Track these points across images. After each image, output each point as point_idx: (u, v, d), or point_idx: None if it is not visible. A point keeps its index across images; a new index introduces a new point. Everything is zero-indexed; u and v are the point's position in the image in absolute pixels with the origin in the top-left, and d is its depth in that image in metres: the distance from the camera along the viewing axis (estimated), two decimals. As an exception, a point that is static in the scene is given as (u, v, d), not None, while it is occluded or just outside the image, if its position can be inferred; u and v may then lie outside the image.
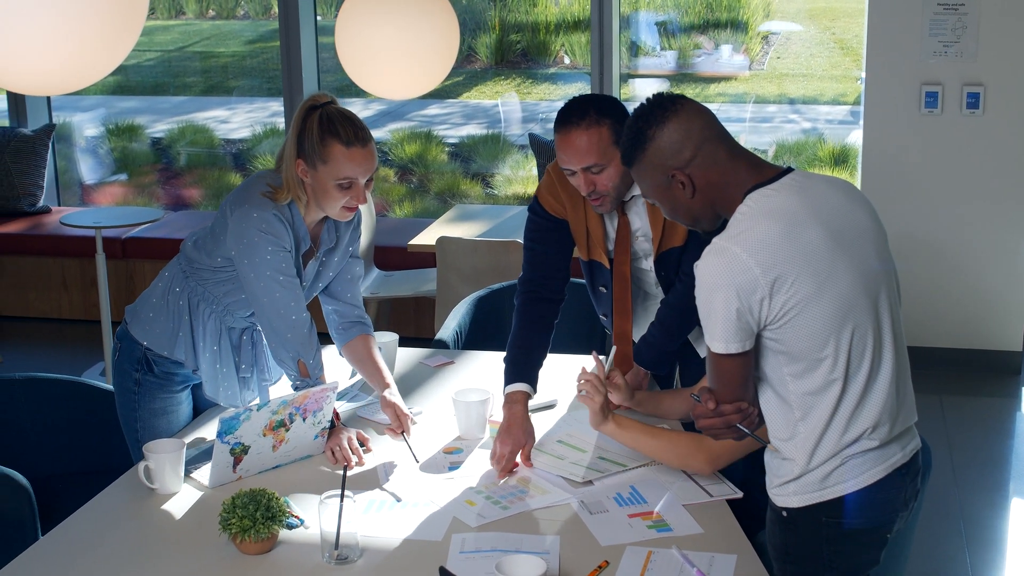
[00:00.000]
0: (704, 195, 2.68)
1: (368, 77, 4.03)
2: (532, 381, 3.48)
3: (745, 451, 3.13)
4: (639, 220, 3.56)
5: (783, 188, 2.63)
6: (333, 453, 3.31)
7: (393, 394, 3.49)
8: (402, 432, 3.41)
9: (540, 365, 3.54)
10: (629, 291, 3.62)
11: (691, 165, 2.65)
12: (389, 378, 3.54)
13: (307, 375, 3.37)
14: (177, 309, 3.46)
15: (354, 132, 3.27)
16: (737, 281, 2.53)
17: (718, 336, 2.59)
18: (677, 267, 3.58)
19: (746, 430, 2.67)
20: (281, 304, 3.33)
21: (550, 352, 3.94)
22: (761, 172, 2.66)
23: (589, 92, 7.42)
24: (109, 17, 2.02)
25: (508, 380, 3.47)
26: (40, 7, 1.98)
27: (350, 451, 3.30)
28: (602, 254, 3.61)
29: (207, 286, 3.44)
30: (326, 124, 3.26)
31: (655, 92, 2.75)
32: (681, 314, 3.60)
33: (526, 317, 3.60)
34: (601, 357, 3.38)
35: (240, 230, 3.30)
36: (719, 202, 2.69)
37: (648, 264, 3.64)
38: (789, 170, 2.68)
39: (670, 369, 3.72)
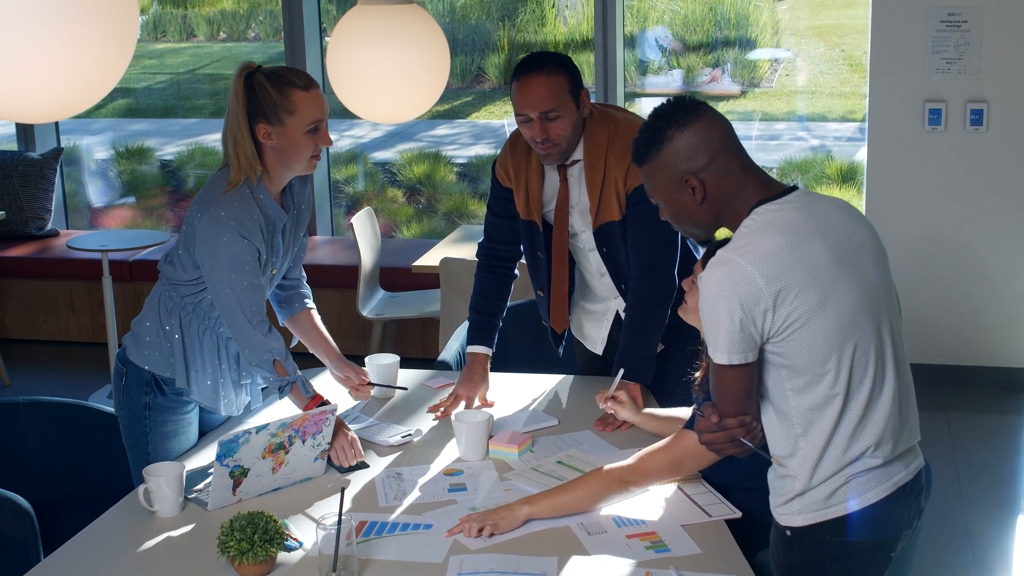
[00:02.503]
0: (712, 204, 2.70)
1: (358, 101, 4.05)
2: (491, 342, 3.89)
3: (663, 477, 3.16)
4: (577, 188, 3.69)
5: (788, 204, 2.65)
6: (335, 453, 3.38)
7: (342, 359, 3.76)
8: (368, 384, 3.73)
9: (498, 326, 3.94)
10: (566, 249, 3.78)
11: (704, 172, 2.66)
12: (335, 347, 3.78)
13: (285, 373, 3.39)
14: (170, 329, 3.46)
15: (305, 77, 3.35)
16: (741, 292, 2.55)
17: (721, 347, 2.60)
18: (622, 243, 3.67)
19: (749, 444, 2.67)
20: (247, 306, 3.33)
21: (550, 374, 3.99)
22: (768, 188, 2.69)
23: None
24: (99, 44, 2.04)
25: (470, 342, 3.90)
26: (29, 33, 1.99)
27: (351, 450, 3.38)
28: (536, 215, 3.76)
29: (192, 301, 3.45)
30: (277, 79, 3.31)
31: (677, 95, 2.76)
32: (646, 311, 3.68)
33: (484, 280, 3.96)
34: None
35: (210, 232, 3.31)
36: (724, 213, 2.71)
37: (586, 240, 3.74)
38: (794, 188, 2.70)
39: (655, 378, 3.74)
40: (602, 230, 3.67)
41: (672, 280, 3.67)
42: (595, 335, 3.95)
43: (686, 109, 2.70)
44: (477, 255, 4.01)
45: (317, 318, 3.78)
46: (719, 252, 2.63)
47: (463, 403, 3.75)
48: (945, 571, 4.64)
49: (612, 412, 3.55)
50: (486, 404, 3.79)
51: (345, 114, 9.62)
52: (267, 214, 3.39)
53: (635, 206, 3.60)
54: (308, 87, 3.32)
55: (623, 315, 3.83)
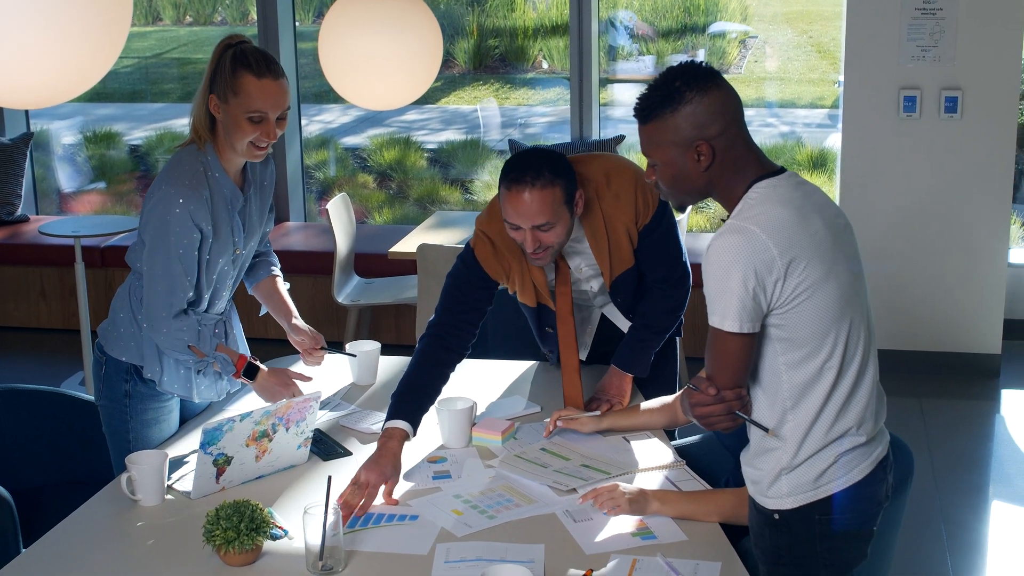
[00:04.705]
0: (713, 172, 2.68)
1: (351, 87, 4.01)
2: (415, 423, 3.33)
3: None
4: (580, 257, 3.57)
5: (784, 182, 2.68)
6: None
7: (299, 320, 3.75)
8: (321, 347, 3.73)
9: (426, 410, 3.40)
10: (573, 331, 3.61)
11: (715, 140, 2.65)
12: (294, 309, 3.77)
13: (204, 355, 3.39)
14: (142, 318, 3.43)
15: (266, 65, 3.29)
16: (756, 260, 2.56)
17: (732, 315, 2.59)
18: (635, 285, 3.61)
19: (744, 416, 2.68)
20: (167, 292, 3.32)
21: (527, 360, 3.96)
22: (765, 167, 2.70)
23: (568, 101, 7.46)
24: (93, 30, 2.01)
25: (391, 415, 3.32)
26: (23, 20, 1.97)
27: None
28: (549, 299, 3.61)
29: None
30: (239, 57, 3.28)
31: (689, 60, 2.73)
32: (670, 314, 3.67)
33: (426, 360, 3.48)
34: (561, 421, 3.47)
35: (156, 211, 3.30)
36: (722, 184, 2.70)
37: (593, 284, 3.65)
38: (784, 169, 2.71)
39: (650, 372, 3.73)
40: (617, 283, 3.59)
41: (691, 281, 3.70)
42: (579, 340, 3.90)
43: (708, 75, 2.67)
44: (424, 334, 3.55)
45: (281, 285, 3.78)
46: (730, 221, 2.62)
47: (364, 488, 3.13)
48: (921, 555, 4.67)
49: (572, 428, 3.50)
50: (390, 502, 3.14)
51: (316, 99, 9.59)
52: (222, 192, 3.38)
53: (648, 236, 3.52)
54: (261, 76, 3.26)
55: (610, 317, 3.81)
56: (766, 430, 2.71)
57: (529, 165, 3.29)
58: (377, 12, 3.87)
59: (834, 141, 8.48)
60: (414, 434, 3.32)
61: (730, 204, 2.70)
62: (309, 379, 3.62)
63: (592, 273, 3.60)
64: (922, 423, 5.86)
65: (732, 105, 2.69)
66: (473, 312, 3.55)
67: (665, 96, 2.66)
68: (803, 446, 2.69)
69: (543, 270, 3.57)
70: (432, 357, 3.49)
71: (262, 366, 3.52)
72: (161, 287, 3.33)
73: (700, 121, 2.64)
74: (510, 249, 3.52)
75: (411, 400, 3.38)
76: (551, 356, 3.90)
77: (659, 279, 3.63)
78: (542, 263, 3.44)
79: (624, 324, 3.75)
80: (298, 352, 3.77)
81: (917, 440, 5.61)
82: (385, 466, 3.16)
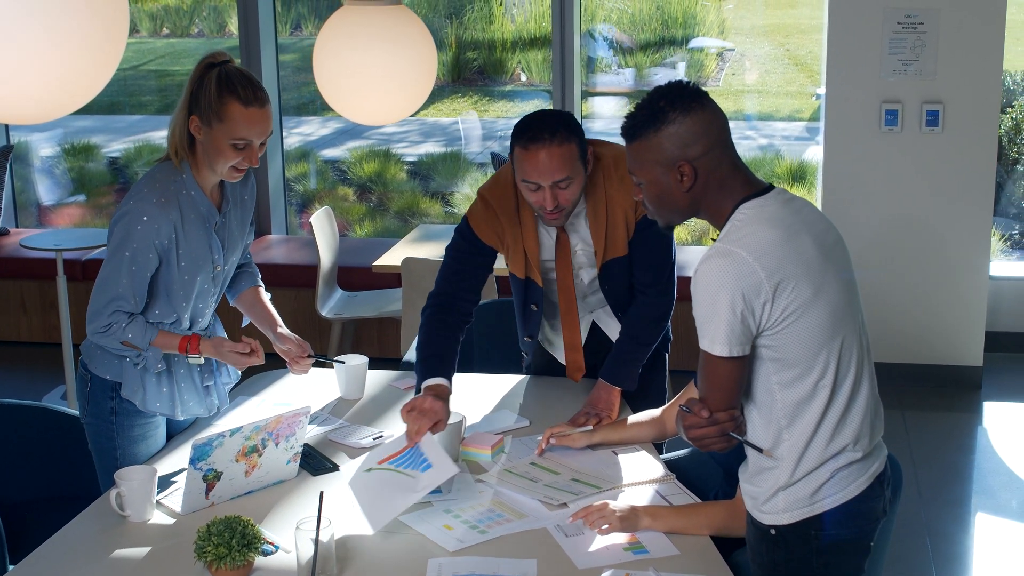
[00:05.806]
0: (697, 193, 2.69)
1: (347, 102, 4.00)
2: (449, 377, 3.45)
3: None
4: (577, 235, 3.60)
5: (771, 200, 2.68)
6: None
7: (284, 329, 3.68)
8: (307, 355, 3.63)
9: (454, 368, 3.51)
10: (575, 304, 3.67)
11: (698, 161, 2.65)
12: (279, 318, 3.71)
13: (139, 347, 3.35)
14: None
15: (253, 92, 3.25)
16: (743, 284, 2.56)
17: (721, 339, 2.60)
18: (626, 278, 3.64)
19: (738, 437, 2.68)
20: (114, 296, 3.29)
21: (516, 374, 3.96)
22: (752, 186, 2.70)
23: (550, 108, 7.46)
24: (90, 44, 2.00)
25: (426, 375, 3.42)
26: (19, 34, 1.96)
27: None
28: (537, 273, 3.65)
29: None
30: (225, 82, 3.24)
31: (677, 80, 2.74)
32: (656, 323, 3.68)
33: (435, 326, 3.58)
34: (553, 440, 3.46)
35: (122, 222, 3.28)
36: (707, 205, 2.71)
37: (583, 276, 3.68)
38: (772, 187, 2.71)
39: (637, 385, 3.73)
40: (607, 267, 3.61)
41: (675, 293, 3.71)
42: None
43: (692, 95, 2.68)
44: (427, 305, 3.64)
45: (264, 295, 3.75)
46: (717, 244, 2.63)
47: (426, 412, 3.27)
48: (906, 568, 4.68)
49: (564, 445, 3.49)
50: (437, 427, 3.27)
51: (296, 111, 9.57)
52: (198, 210, 3.36)
53: (646, 229, 3.56)
54: (248, 104, 3.24)
55: (601, 325, 3.82)
56: (760, 451, 2.72)
57: (545, 124, 3.38)
58: (371, 27, 3.86)
59: (813, 154, 8.52)
60: (451, 388, 3.43)
61: (719, 224, 2.71)
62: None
63: (586, 261, 3.64)
64: (905, 435, 5.88)
65: (717, 126, 2.69)
66: (472, 279, 3.65)
67: (649, 116, 2.68)
68: (800, 464, 2.69)
69: (538, 239, 3.60)
70: (440, 321, 3.59)
71: (202, 341, 3.44)
72: (103, 295, 3.31)
73: (683, 141, 2.65)
74: (505, 213, 3.58)
75: (438, 360, 3.47)
76: (527, 354, 3.90)
77: (647, 282, 3.64)
78: (558, 223, 3.50)
79: (614, 331, 3.76)
80: (284, 362, 3.75)
81: (900, 452, 5.62)
82: (443, 406, 3.30)
